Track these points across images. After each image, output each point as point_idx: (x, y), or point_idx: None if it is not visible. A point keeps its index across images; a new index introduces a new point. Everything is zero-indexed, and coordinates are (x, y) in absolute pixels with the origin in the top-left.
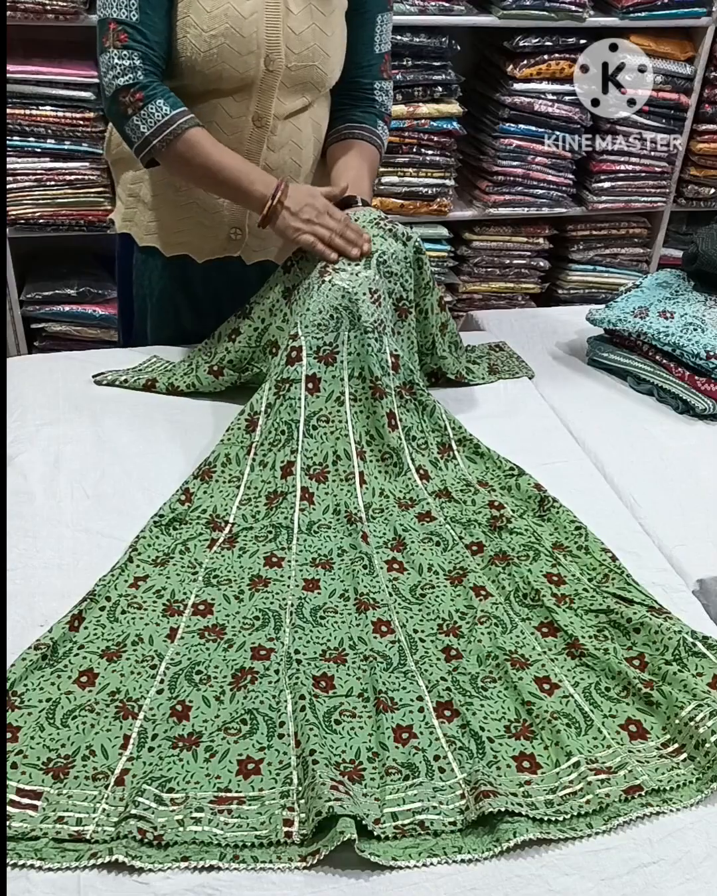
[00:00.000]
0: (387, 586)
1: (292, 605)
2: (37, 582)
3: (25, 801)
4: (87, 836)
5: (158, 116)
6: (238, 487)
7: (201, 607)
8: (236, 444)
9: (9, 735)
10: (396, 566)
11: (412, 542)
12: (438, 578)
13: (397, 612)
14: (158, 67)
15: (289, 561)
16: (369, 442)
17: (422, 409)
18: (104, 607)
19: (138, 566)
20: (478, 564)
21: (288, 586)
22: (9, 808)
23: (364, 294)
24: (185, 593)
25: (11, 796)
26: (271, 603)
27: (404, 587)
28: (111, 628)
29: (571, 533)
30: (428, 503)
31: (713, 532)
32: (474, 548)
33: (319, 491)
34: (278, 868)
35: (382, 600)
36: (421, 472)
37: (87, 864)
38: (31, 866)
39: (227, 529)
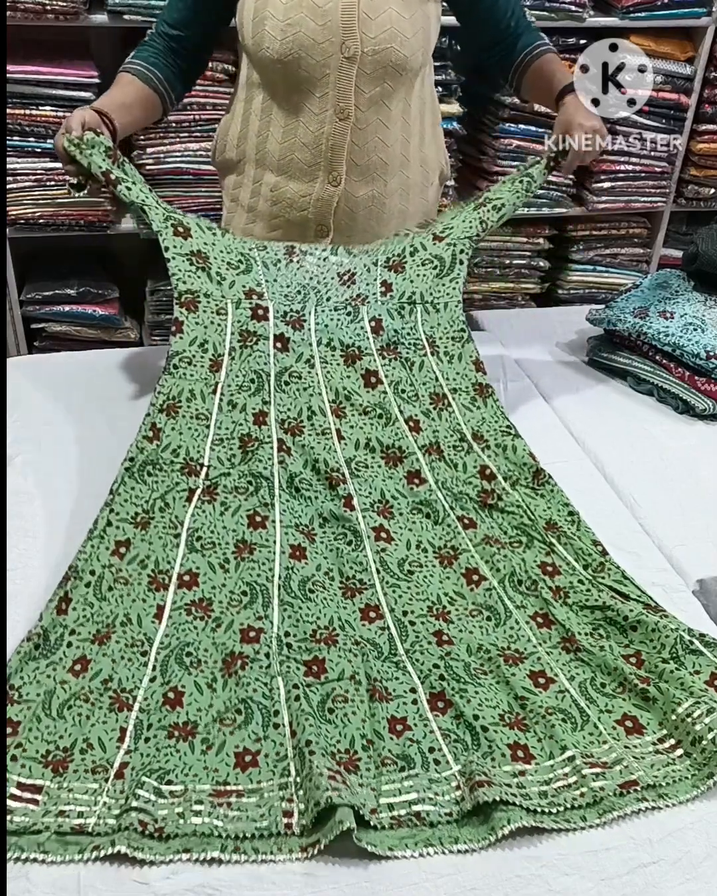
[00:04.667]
0: (374, 560)
1: (280, 577)
2: (37, 582)
3: (26, 795)
4: (89, 830)
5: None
6: (208, 427)
7: (187, 578)
8: (199, 380)
9: (8, 729)
10: (383, 535)
11: (400, 512)
12: (426, 556)
13: (385, 593)
14: (172, 38)
15: (273, 520)
16: (347, 397)
17: (409, 364)
18: (90, 583)
19: (118, 527)
20: (469, 543)
21: (274, 552)
22: (10, 803)
23: (333, 278)
24: (169, 562)
25: (12, 791)
26: (258, 574)
27: (392, 560)
28: (99, 608)
29: (563, 518)
30: (418, 460)
31: (713, 532)
32: (466, 522)
33: (294, 444)
34: (281, 860)
35: (368, 581)
36: (411, 423)
37: (89, 857)
38: (34, 860)
39: (203, 474)
